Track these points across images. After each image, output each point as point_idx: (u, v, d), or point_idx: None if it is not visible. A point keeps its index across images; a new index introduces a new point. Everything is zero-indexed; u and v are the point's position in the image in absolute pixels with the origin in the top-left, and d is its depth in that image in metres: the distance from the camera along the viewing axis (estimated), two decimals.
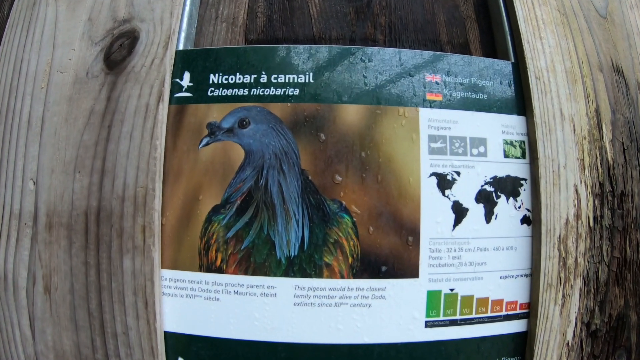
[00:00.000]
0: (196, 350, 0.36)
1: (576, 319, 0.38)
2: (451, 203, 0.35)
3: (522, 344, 0.38)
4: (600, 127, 0.39)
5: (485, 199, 0.35)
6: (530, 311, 0.37)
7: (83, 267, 0.37)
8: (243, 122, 0.34)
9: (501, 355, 0.37)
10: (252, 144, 0.34)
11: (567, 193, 0.37)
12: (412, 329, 0.35)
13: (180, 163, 0.35)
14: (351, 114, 0.34)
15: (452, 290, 0.35)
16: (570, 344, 0.38)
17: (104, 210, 0.36)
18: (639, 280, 0.40)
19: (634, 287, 0.40)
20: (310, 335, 0.34)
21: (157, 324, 0.35)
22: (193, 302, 0.35)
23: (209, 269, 0.34)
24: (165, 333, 0.36)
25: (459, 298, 0.35)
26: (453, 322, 0.35)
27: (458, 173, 0.35)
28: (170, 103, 0.36)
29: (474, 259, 0.35)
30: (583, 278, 0.38)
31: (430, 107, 0.35)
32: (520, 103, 0.37)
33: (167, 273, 0.35)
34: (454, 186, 0.35)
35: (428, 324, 0.35)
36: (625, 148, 0.40)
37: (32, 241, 0.39)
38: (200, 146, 0.35)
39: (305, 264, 0.33)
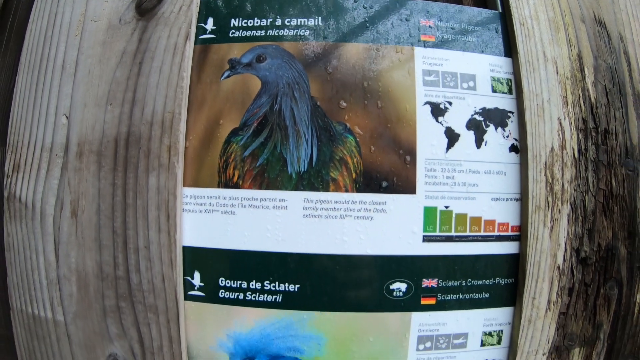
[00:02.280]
0: (212, 263, 0.46)
1: (565, 243, 0.48)
2: (444, 129, 0.46)
3: (515, 266, 0.48)
4: (582, 70, 0.51)
5: (475, 127, 0.47)
6: (521, 234, 0.47)
7: (110, 188, 0.48)
8: (260, 57, 0.47)
9: (495, 276, 0.47)
10: (268, 76, 0.46)
11: (552, 125, 0.48)
12: (412, 242, 0.45)
13: (204, 93, 0.47)
14: (355, 51, 0.47)
15: (447, 207, 0.45)
16: (561, 268, 0.48)
17: (133, 135, 0.47)
18: (627, 214, 0.51)
19: (621, 220, 0.51)
20: (318, 246, 0.45)
21: (177, 235, 0.45)
22: (211, 217, 0.46)
23: (227, 185, 0.45)
24: (184, 248, 0.46)
25: (454, 215, 0.46)
26: (449, 238, 0.46)
27: (450, 103, 0.46)
28: (195, 44, 0.48)
29: (467, 180, 0.46)
30: (570, 205, 0.48)
31: (424, 46, 0.47)
32: (507, 46, 0.49)
33: (188, 191, 0.46)
34: (447, 114, 0.46)
35: (425, 239, 0.45)
36: (608, 91, 0.51)
37: (63, 170, 0.50)
38: (222, 78, 0.47)
39: (313, 179, 0.44)
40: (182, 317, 0.47)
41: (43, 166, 0.51)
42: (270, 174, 0.45)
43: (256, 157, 0.45)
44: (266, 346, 0.47)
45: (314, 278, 0.45)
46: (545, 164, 0.47)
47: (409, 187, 0.45)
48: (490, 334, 0.49)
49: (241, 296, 0.46)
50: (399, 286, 0.46)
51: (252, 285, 0.46)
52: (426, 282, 0.46)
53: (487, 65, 0.48)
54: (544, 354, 0.50)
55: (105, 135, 0.49)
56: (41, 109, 0.52)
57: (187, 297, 0.47)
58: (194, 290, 0.47)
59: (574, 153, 0.48)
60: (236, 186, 0.45)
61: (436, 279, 0.46)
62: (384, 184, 0.45)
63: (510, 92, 0.48)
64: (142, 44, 0.50)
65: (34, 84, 0.53)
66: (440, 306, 0.47)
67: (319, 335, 0.46)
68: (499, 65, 0.49)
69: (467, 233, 0.46)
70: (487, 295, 0.48)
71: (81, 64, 0.51)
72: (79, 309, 0.50)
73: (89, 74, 0.51)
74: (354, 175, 0.45)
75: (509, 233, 0.47)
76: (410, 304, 0.46)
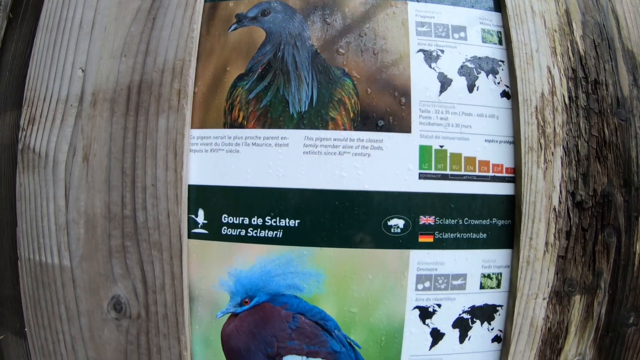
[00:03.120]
0: (215, 200, 0.51)
1: (560, 186, 0.52)
2: (437, 74, 0.52)
3: (511, 208, 0.52)
4: (570, 25, 0.57)
5: (467, 73, 0.52)
6: (515, 175, 0.52)
7: (122, 132, 0.54)
8: (265, 11, 0.54)
9: (492, 216, 0.51)
10: (272, 27, 0.53)
11: (541, 72, 0.54)
12: (408, 179, 0.50)
13: (212, 45, 0.54)
14: (352, 4, 0.53)
15: (441, 146, 0.50)
16: (557, 210, 0.52)
17: (145, 82, 0.54)
18: (621, 163, 0.55)
19: (616, 168, 0.55)
20: (317, 181, 0.50)
21: (184, 172, 0.51)
22: (216, 156, 0.51)
23: (232, 126, 0.51)
24: (189, 186, 0.52)
25: (448, 154, 0.50)
26: (444, 177, 0.50)
27: (442, 51, 0.52)
28: (205, 2, 0.56)
29: (460, 122, 0.51)
30: (563, 148, 0.53)
31: (417, 1, 0.54)
32: (496, 2, 0.56)
33: (195, 132, 0.52)
34: (439, 61, 0.52)
35: (422, 176, 0.50)
36: (597, 44, 0.57)
37: (77, 119, 0.56)
38: (230, 30, 0.53)
39: (313, 118, 0.50)
40: (185, 254, 0.52)
41: (58, 117, 0.58)
42: (273, 115, 0.51)
43: (260, 99, 0.51)
44: (266, 284, 0.51)
45: (314, 213, 0.50)
46: (536, 108, 0.53)
47: (404, 127, 0.50)
48: (489, 276, 0.52)
49: (243, 232, 0.51)
50: (397, 222, 0.50)
51: (254, 221, 0.51)
52: (423, 220, 0.51)
53: (477, 19, 0.54)
54: (544, 299, 0.53)
55: (119, 84, 0.55)
56: (58, 65, 0.60)
57: (191, 236, 0.52)
58: (197, 228, 0.52)
59: (564, 99, 0.54)
60: (241, 126, 0.51)
61: (433, 217, 0.51)
62: (380, 122, 0.50)
63: (500, 43, 0.55)
64: (156, 2, 0.57)
65: (51, 43, 0.61)
66: (438, 244, 0.51)
67: (318, 272, 0.51)
68: (489, 18, 0.55)
69: (462, 172, 0.51)
70: (485, 235, 0.52)
71: (97, 23, 0.59)
72: (86, 251, 0.55)
73: (105, 30, 0.58)
74: (351, 114, 0.50)
75: (504, 174, 0.52)
76: (408, 241, 0.50)
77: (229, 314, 0.52)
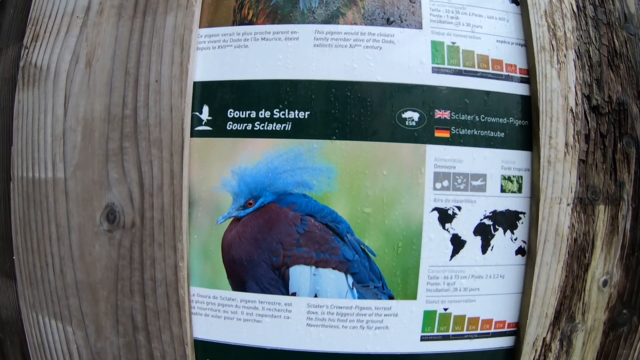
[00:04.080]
0: (221, 96, 0.43)
1: (575, 87, 0.45)
2: None
3: (528, 108, 0.44)
4: None
5: None
6: (529, 76, 0.45)
7: (127, 34, 0.46)
8: None
9: (508, 115, 0.44)
10: None
11: None
12: (421, 72, 0.42)
13: None
14: None
15: (453, 43, 0.43)
16: (574, 112, 0.45)
17: None
18: (634, 74, 0.49)
19: (629, 78, 0.48)
20: (328, 73, 0.42)
21: (190, 65, 0.43)
22: (223, 52, 0.44)
23: (241, 23, 0.44)
24: (194, 83, 0.44)
25: (461, 51, 0.43)
26: (458, 72, 0.43)
27: None
28: None
29: (471, 21, 0.44)
30: (575, 52, 0.46)
31: None
32: None
33: (203, 31, 0.45)
34: None
35: (435, 69, 0.42)
36: None
37: (82, 28, 0.49)
38: None
39: (324, 13, 0.43)
40: (186, 151, 0.43)
41: (62, 29, 0.50)
42: (283, 11, 0.44)
43: None
44: (273, 182, 0.42)
45: (324, 105, 0.42)
46: (545, 12, 0.46)
47: (415, 23, 0.44)
48: (509, 179, 0.44)
49: (249, 127, 0.43)
50: (411, 115, 0.42)
51: (261, 114, 0.43)
52: (439, 114, 0.43)
53: None
54: (568, 204, 0.44)
55: None
56: None
57: (194, 134, 0.43)
58: (201, 125, 0.43)
59: (572, 7, 0.48)
60: (250, 23, 0.45)
61: (449, 111, 0.43)
62: (392, 19, 0.44)
63: None
64: None
65: None
66: (455, 140, 0.43)
67: (330, 167, 0.42)
68: None
69: (476, 69, 0.44)
70: (502, 134, 0.44)
71: None
72: (81, 158, 0.46)
73: None
74: (362, 11, 0.44)
75: (518, 74, 0.45)
76: (423, 135, 0.42)
77: (231, 219, 0.43)
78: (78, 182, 0.46)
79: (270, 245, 0.42)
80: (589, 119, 0.45)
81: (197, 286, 0.44)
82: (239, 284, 0.43)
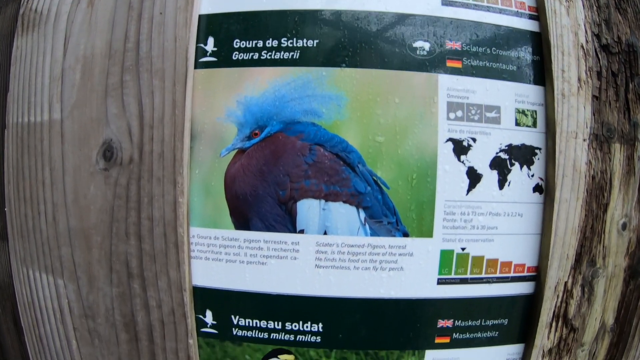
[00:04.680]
0: (227, 27, 0.38)
1: (585, 25, 0.42)
2: None
3: (539, 45, 0.40)
4: None
5: None
6: (539, 13, 0.41)
7: None
8: None
9: (520, 50, 0.40)
10: None
11: None
12: (431, 4, 0.38)
13: None
14: None
15: None
16: (585, 48, 0.41)
17: None
18: None
19: (636, 22, 0.45)
20: (336, 2, 0.38)
21: None
22: None
23: None
24: (200, 16, 0.39)
25: None
26: (466, 5, 0.39)
27: None
28: None
29: None
30: None
31: None
32: None
33: None
34: None
35: (444, 2, 0.39)
36: None
37: None
38: None
39: None
40: (189, 80, 0.37)
41: None
42: None
43: None
44: (280, 110, 0.37)
45: (333, 34, 0.37)
46: None
47: None
48: (524, 112, 0.39)
49: (256, 56, 0.38)
50: (422, 45, 0.38)
51: (269, 43, 0.38)
52: (450, 44, 0.38)
53: None
54: (584, 140, 0.40)
55: None
56: None
57: (198, 66, 0.38)
58: (205, 56, 0.39)
59: None
60: None
61: (460, 42, 0.39)
62: None
63: None
64: None
65: None
66: (467, 71, 0.38)
67: (339, 95, 0.37)
68: None
69: (485, 3, 0.40)
70: (514, 67, 0.39)
71: None
72: (79, 97, 0.41)
73: None
74: None
75: (527, 11, 0.41)
76: (435, 64, 0.38)
77: (235, 151, 0.38)
78: (75, 122, 0.41)
79: (276, 177, 0.36)
80: (599, 56, 0.41)
81: (197, 226, 0.38)
82: (242, 222, 0.37)
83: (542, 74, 0.40)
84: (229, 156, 0.37)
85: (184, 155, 0.37)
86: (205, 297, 0.38)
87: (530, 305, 0.40)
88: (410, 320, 0.38)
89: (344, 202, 0.36)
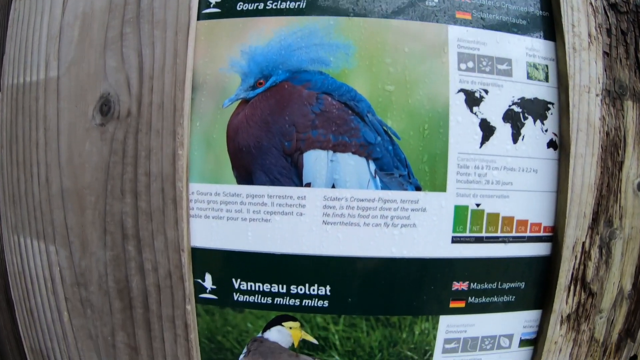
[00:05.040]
0: None
1: None
2: None
3: (547, 1, 0.38)
4: None
5: None
6: None
7: None
8: None
9: (529, 4, 0.37)
10: None
11: None
12: None
13: None
14: None
15: None
16: (594, 5, 0.38)
17: None
18: None
19: None
20: None
21: None
22: None
23: None
24: None
25: None
26: None
27: None
28: None
29: None
30: None
31: None
32: None
33: None
34: None
35: None
36: None
37: None
38: None
39: None
40: (192, 30, 0.34)
41: None
42: None
43: None
44: (286, 59, 0.34)
45: None
46: None
47: None
48: (535, 66, 0.36)
49: (261, 6, 0.35)
50: None
51: None
52: None
53: None
54: (597, 95, 0.37)
55: None
56: None
57: (201, 17, 0.35)
58: (209, 8, 0.36)
59: None
60: None
61: None
62: None
63: None
64: None
65: None
66: (477, 22, 0.35)
67: (347, 44, 0.34)
68: None
69: None
70: (524, 22, 0.36)
71: None
72: (77, 53, 0.37)
73: None
74: None
75: None
76: (444, 15, 0.34)
77: (239, 102, 0.35)
78: (72, 79, 0.37)
79: (282, 128, 0.33)
80: (608, 14, 0.39)
81: (197, 182, 0.34)
82: (245, 176, 0.34)
83: (551, 29, 0.38)
84: (232, 107, 0.34)
85: (184, 105, 0.33)
86: (204, 259, 0.34)
87: (547, 269, 0.37)
88: (424, 282, 0.34)
89: (353, 153, 0.33)
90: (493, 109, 0.34)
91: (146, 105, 0.34)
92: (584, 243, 0.36)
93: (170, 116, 0.33)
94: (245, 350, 0.36)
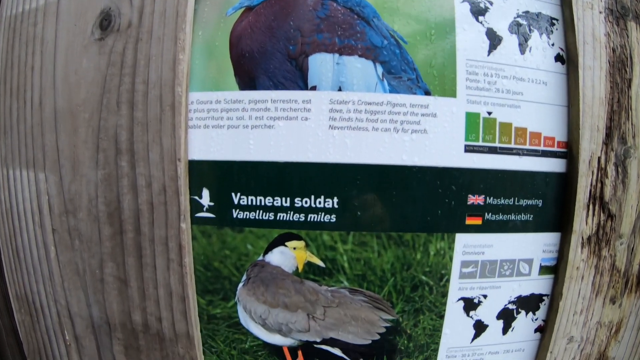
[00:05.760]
0: None
1: None
2: None
3: None
4: None
5: None
6: None
7: None
8: None
9: None
10: None
11: None
12: None
13: None
14: None
15: None
16: None
17: None
18: None
19: None
20: None
21: None
22: None
23: None
24: None
25: None
26: None
27: None
28: None
29: None
30: None
31: None
32: None
33: None
34: None
35: None
36: None
37: None
38: None
39: None
40: None
41: None
42: None
43: None
44: None
45: None
46: None
47: None
48: None
49: None
50: None
51: None
52: None
53: None
54: (600, 12, 0.33)
55: None
56: None
57: None
58: None
59: None
60: None
61: None
62: None
63: None
64: None
65: None
66: None
67: None
68: None
69: None
70: None
71: None
72: None
73: None
74: None
75: None
76: None
77: (243, 9, 0.31)
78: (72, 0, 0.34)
79: (286, 32, 0.29)
80: None
81: (197, 91, 0.30)
82: (247, 81, 0.29)
83: None
84: (235, 15, 0.30)
85: (187, 11, 0.30)
86: (202, 172, 0.29)
87: (564, 188, 0.32)
88: (437, 194, 0.30)
89: (360, 56, 0.29)
90: (498, 20, 0.31)
91: (148, 14, 0.30)
92: (599, 158, 0.32)
93: (172, 22, 0.30)
94: (244, 277, 0.31)
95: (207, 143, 0.29)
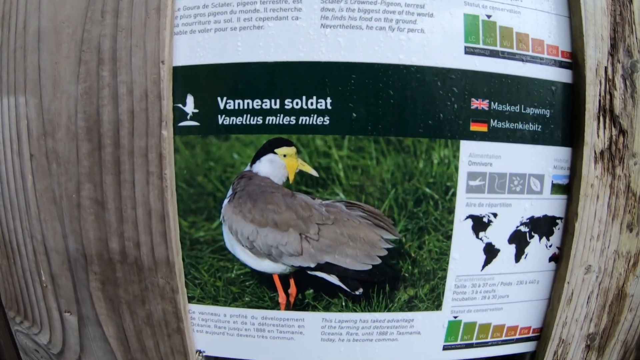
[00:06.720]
0: None
1: None
2: None
3: None
4: None
5: None
6: None
7: None
8: None
9: None
10: None
11: None
12: None
13: None
14: None
15: None
16: None
17: None
18: None
19: None
20: None
21: None
22: None
23: None
24: None
25: None
26: None
27: None
28: None
29: None
30: None
31: None
32: None
33: None
34: None
35: None
36: None
37: None
38: None
39: None
40: None
41: None
42: None
43: None
44: None
45: None
46: None
47: None
48: None
49: None
50: None
51: None
52: None
53: None
54: None
55: None
56: None
57: None
58: None
59: None
60: None
61: None
62: None
63: None
64: None
65: None
66: None
67: None
68: None
69: None
70: None
71: None
72: None
73: None
74: None
75: None
76: None
77: None
78: None
79: None
80: None
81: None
82: None
83: None
84: None
85: None
86: (186, 78, 0.25)
87: (573, 100, 0.27)
88: (439, 95, 0.25)
89: None
90: None
91: None
92: (606, 68, 0.27)
93: None
94: (230, 192, 0.25)
95: (193, 48, 0.25)
